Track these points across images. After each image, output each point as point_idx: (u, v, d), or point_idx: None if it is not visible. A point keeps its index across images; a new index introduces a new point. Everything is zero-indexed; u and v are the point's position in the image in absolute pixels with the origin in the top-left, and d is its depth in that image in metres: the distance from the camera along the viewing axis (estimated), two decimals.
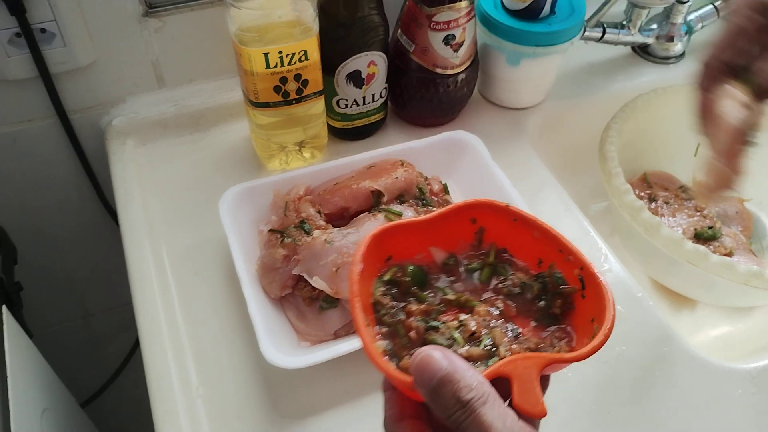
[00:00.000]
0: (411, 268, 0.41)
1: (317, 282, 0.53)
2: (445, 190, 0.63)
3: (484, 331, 0.38)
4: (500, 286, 0.41)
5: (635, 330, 0.58)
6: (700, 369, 0.56)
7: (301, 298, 0.56)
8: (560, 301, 0.40)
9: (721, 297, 0.69)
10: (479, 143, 0.66)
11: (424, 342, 0.37)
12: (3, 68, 0.64)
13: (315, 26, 0.60)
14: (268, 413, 0.52)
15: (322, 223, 0.58)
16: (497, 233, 0.42)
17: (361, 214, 0.59)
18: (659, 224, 0.63)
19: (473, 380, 0.30)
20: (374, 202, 0.59)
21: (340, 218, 0.59)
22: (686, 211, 0.78)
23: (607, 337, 0.35)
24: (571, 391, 0.54)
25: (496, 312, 0.40)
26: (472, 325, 0.38)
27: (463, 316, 0.39)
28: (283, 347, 0.51)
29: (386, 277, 0.40)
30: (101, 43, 0.67)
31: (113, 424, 0.99)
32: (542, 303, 0.40)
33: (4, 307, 0.56)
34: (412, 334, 0.38)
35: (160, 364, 0.54)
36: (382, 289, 0.40)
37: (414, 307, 0.39)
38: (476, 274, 0.42)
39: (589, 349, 0.34)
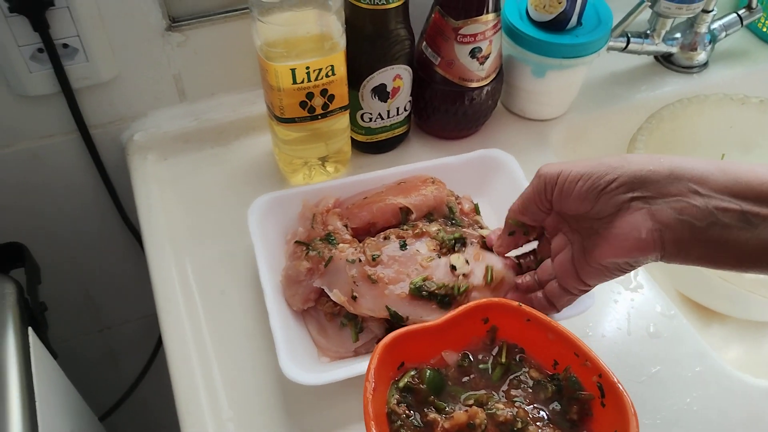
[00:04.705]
0: (428, 373, 0.40)
1: (336, 295, 0.53)
2: (476, 210, 0.62)
3: None
4: (514, 383, 0.40)
5: (669, 349, 0.57)
6: (737, 388, 0.55)
7: (323, 313, 0.56)
8: (577, 406, 0.38)
9: (753, 311, 0.68)
10: (514, 163, 0.64)
11: None
12: (25, 84, 0.63)
13: (342, 41, 0.59)
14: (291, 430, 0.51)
15: (348, 237, 0.57)
16: (510, 332, 0.41)
17: (387, 229, 0.57)
18: None
19: None
20: (402, 219, 0.58)
21: (367, 233, 0.58)
22: None
23: None
24: None
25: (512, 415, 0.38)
26: None
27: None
28: (303, 363, 0.51)
29: (402, 384, 0.39)
30: (123, 57, 0.66)
31: None
32: (558, 407, 0.39)
33: (30, 329, 0.55)
34: None
35: (187, 383, 0.54)
36: (397, 396, 0.39)
37: (432, 415, 0.38)
38: (489, 373, 0.41)
39: None
